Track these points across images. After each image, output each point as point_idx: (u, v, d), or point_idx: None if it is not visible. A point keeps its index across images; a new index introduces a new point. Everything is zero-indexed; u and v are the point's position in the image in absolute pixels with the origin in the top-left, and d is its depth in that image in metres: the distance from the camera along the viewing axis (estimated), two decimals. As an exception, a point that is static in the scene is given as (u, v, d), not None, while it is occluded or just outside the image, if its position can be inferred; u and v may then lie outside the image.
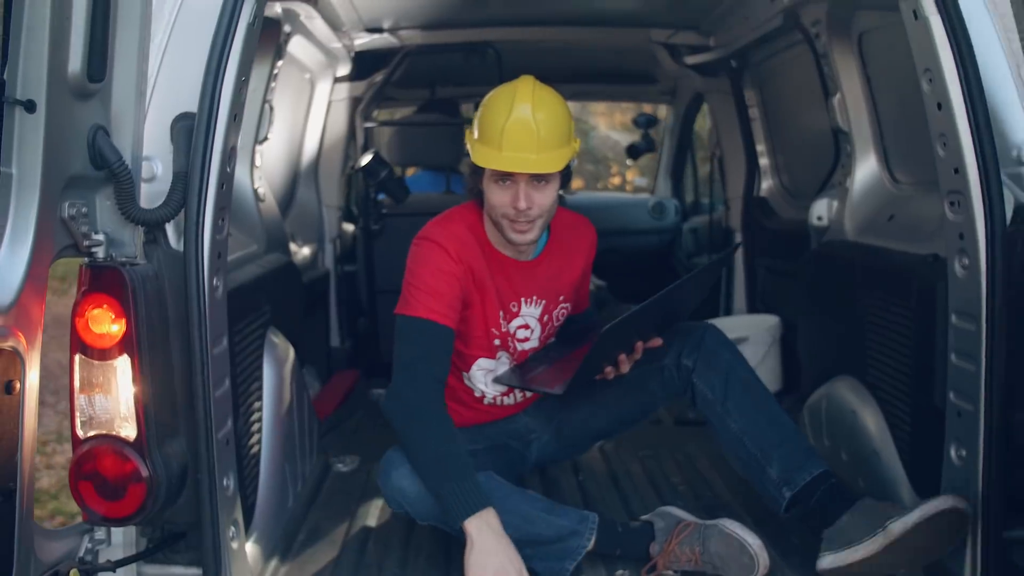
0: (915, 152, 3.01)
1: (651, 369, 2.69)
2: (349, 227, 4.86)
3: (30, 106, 1.75)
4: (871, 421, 2.86)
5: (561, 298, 2.79)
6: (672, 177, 6.28)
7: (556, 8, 4.05)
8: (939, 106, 2.28)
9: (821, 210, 3.51)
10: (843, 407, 3.01)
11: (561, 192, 2.60)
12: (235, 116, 2.16)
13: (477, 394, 2.77)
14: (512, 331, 2.71)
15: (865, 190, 3.32)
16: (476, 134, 2.53)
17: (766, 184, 4.58)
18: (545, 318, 2.77)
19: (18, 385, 1.76)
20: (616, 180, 14.31)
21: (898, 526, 2.26)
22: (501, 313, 2.66)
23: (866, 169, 3.32)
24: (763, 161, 4.56)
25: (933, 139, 2.34)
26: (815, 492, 2.47)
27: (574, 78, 5.42)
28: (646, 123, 5.99)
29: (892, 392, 2.78)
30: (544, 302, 2.74)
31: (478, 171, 2.54)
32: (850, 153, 3.36)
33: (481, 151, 2.48)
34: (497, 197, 2.50)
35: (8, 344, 1.73)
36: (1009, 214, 2.21)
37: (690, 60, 4.64)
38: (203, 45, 2.13)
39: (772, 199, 4.53)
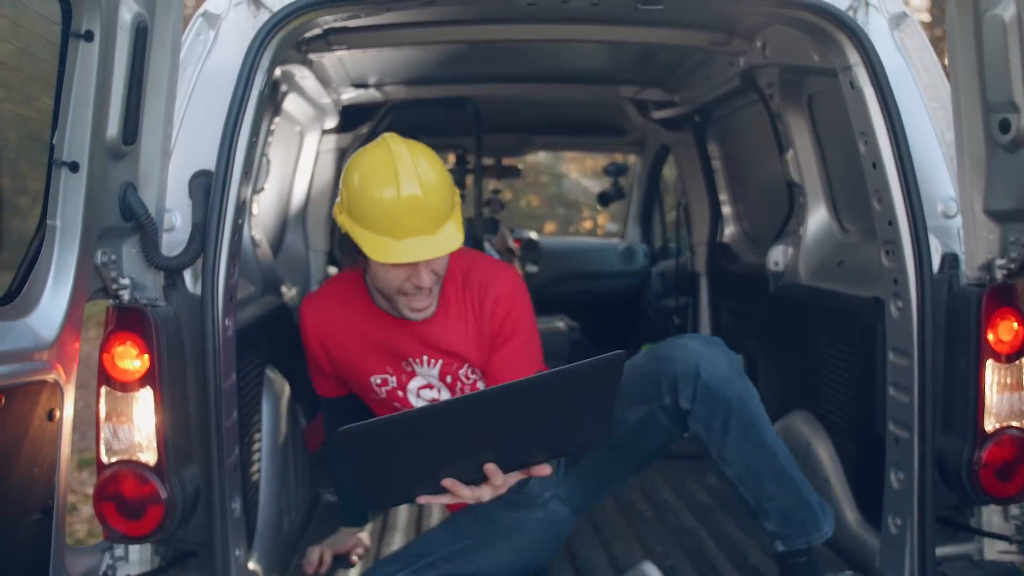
0: (861, 203, 3.30)
1: (650, 414, 2.48)
2: (333, 270, 5.08)
3: (74, 167, 1.98)
4: (823, 451, 3.11)
5: (461, 357, 2.58)
6: (641, 223, 6.55)
7: (530, 66, 4.34)
8: (874, 165, 2.57)
9: (777, 256, 3.76)
10: (799, 439, 3.24)
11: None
12: (246, 173, 2.41)
13: None
14: (413, 389, 2.62)
15: (816, 238, 3.58)
16: (353, 215, 2.31)
17: (728, 231, 4.80)
18: (449, 379, 2.60)
19: (58, 413, 1.97)
20: (588, 224, 14.62)
21: None
22: (377, 378, 2.62)
23: (817, 218, 3.59)
24: (725, 209, 4.78)
25: (870, 194, 2.62)
26: (803, 555, 2.46)
27: (548, 130, 5.69)
28: (616, 172, 6.22)
29: (841, 423, 3.04)
30: (441, 362, 2.58)
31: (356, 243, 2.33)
32: (803, 204, 3.63)
33: (372, 242, 2.25)
34: (390, 276, 2.34)
35: (51, 376, 1.95)
36: (936, 262, 2.49)
37: (656, 115, 4.93)
38: (218, 110, 2.38)
39: (734, 245, 4.76)
